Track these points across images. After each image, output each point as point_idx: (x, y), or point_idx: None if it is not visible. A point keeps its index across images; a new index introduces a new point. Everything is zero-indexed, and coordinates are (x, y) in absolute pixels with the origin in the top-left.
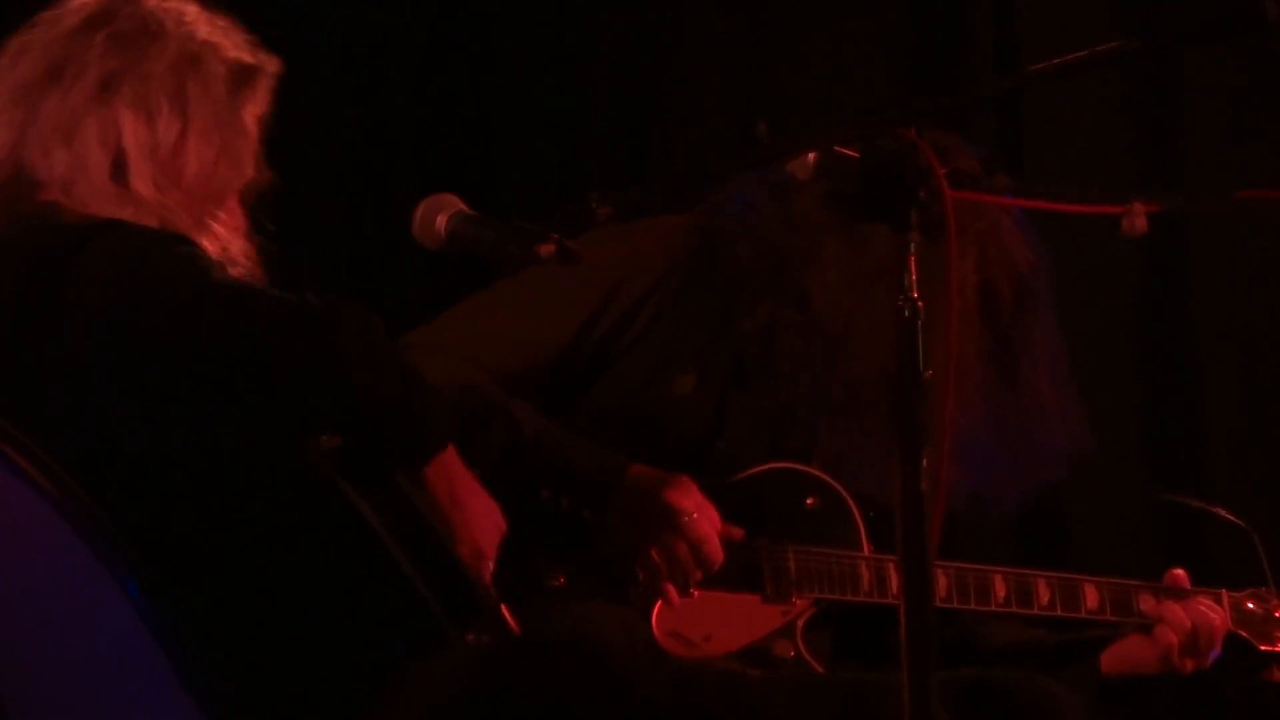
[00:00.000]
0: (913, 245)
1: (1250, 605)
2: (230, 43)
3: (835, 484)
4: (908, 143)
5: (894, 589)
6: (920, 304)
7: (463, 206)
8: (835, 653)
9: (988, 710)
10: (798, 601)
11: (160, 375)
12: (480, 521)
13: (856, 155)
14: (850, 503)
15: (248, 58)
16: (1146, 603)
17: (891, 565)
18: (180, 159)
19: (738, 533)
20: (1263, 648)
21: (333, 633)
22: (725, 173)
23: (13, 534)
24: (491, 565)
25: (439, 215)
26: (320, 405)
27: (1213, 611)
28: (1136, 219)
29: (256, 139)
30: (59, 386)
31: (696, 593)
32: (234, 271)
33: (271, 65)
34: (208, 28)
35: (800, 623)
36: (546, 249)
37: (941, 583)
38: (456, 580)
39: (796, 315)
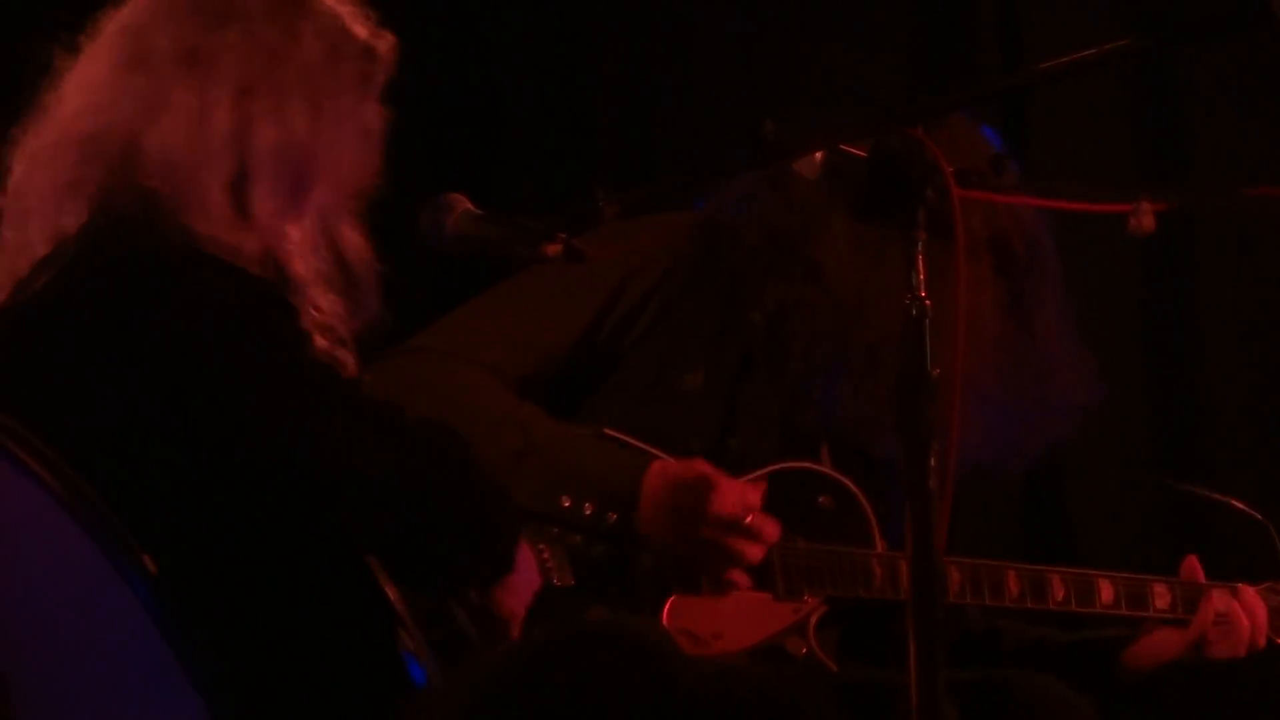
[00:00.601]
0: (920, 244)
1: (1268, 599)
2: (356, 27)
3: (847, 482)
4: (915, 141)
5: (906, 585)
6: (928, 303)
7: (470, 206)
8: (841, 650)
9: (997, 712)
10: (809, 599)
11: (223, 446)
12: (519, 589)
13: (864, 154)
14: (862, 500)
15: (364, 34)
16: (1162, 598)
17: (904, 561)
18: (310, 168)
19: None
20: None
21: (336, 648)
22: (732, 170)
23: (18, 530)
24: (519, 626)
25: (446, 215)
26: (396, 528)
27: (1257, 605)
28: (1143, 218)
29: (380, 130)
30: (108, 393)
31: (707, 590)
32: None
33: (385, 44)
34: (334, 12)
35: (813, 620)
36: (554, 248)
37: (954, 578)
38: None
39: (809, 291)
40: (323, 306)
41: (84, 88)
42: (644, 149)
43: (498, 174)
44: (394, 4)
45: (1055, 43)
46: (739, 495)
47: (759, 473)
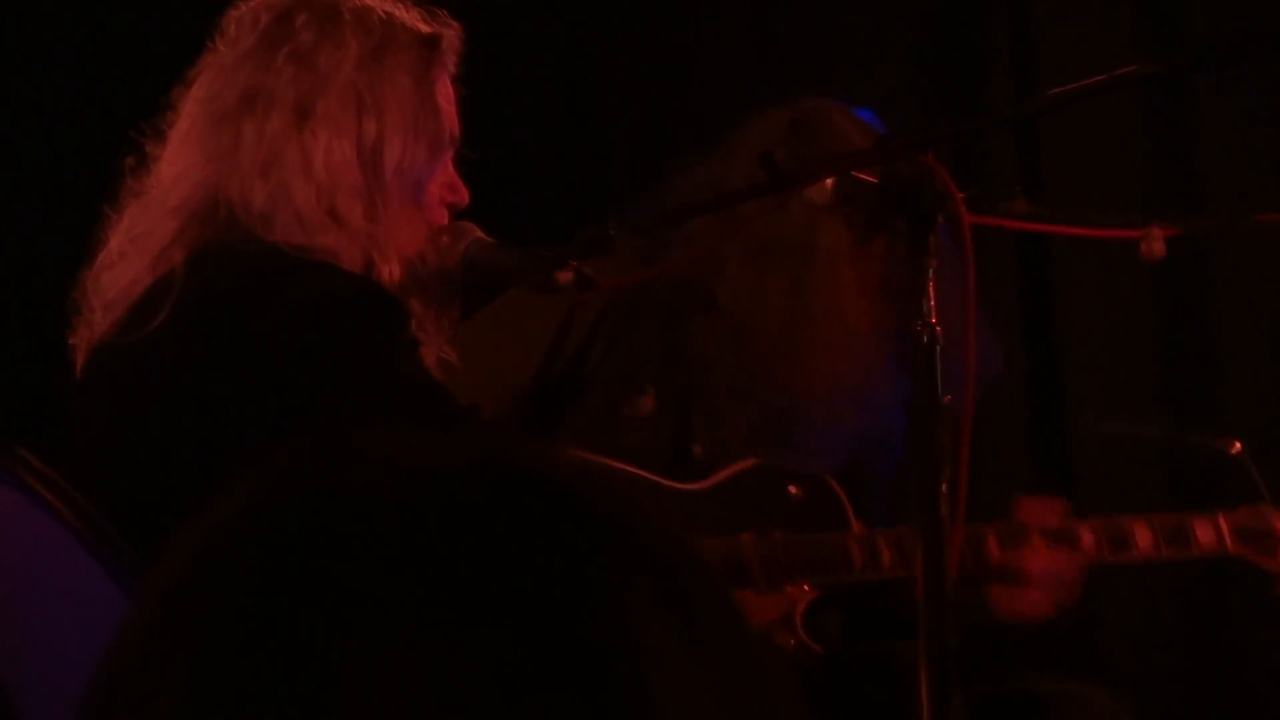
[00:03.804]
0: (931, 270)
1: (1248, 524)
2: (407, 17)
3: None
4: (926, 168)
5: (885, 564)
6: (939, 329)
7: (481, 234)
8: (847, 633)
9: None
10: (791, 590)
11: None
12: None
13: (875, 180)
14: (833, 484)
15: (425, 27)
16: (1143, 537)
17: (881, 539)
18: (382, 163)
19: None
20: (1268, 566)
21: None
22: (743, 198)
23: (33, 562)
24: None
25: (458, 242)
26: None
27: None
28: (1154, 243)
29: (452, 109)
30: (195, 410)
31: None
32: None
33: (450, 30)
34: (381, 10)
35: (799, 610)
36: (565, 276)
37: (885, 556)
38: None
39: (706, 317)
40: (416, 312)
41: (171, 161)
42: (657, 176)
43: (508, 201)
44: None
45: (1069, 65)
46: None
47: (722, 475)
